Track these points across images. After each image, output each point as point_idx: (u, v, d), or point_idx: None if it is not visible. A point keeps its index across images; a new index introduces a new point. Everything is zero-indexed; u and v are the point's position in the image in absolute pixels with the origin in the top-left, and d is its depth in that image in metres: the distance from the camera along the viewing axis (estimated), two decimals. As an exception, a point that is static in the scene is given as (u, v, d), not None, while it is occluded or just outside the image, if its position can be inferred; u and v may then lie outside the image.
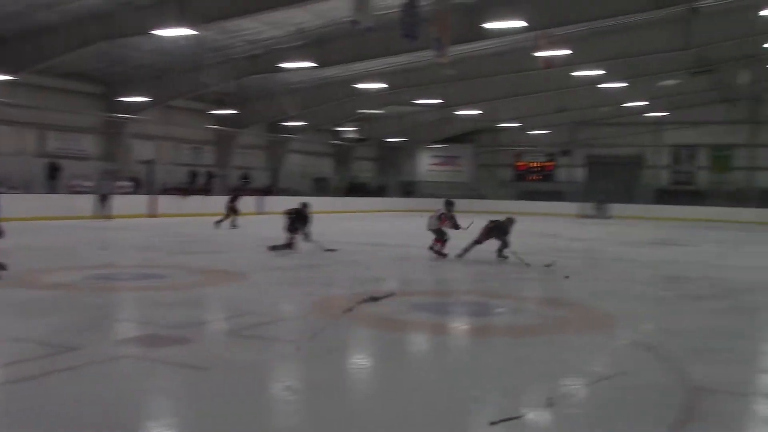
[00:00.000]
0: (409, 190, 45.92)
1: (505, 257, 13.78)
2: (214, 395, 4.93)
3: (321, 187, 40.65)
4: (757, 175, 39.37)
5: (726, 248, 19.58)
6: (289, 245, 14.32)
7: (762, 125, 39.39)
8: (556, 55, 23.24)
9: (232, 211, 22.26)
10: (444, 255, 14.02)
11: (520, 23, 19.00)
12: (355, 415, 4.66)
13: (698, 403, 5.07)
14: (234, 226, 21.83)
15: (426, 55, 22.40)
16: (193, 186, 31.21)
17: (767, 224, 32.21)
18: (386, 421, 4.55)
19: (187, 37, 20.17)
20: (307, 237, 14.54)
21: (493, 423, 4.34)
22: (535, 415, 4.90)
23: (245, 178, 34.60)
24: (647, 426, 4.51)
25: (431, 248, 14.20)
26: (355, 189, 42.18)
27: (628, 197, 39.19)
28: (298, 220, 14.50)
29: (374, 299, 8.77)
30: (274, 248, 14.33)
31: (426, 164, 48.27)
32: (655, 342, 7.14)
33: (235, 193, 23.71)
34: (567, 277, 11.87)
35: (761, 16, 19.28)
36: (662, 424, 4.54)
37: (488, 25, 19.32)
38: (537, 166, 45.87)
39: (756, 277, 12.79)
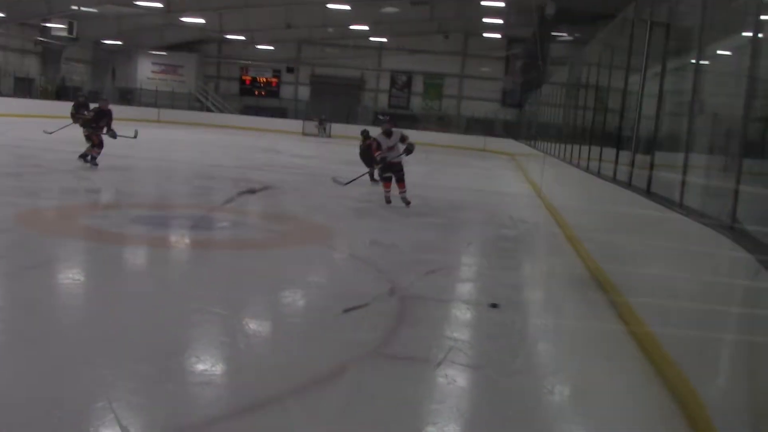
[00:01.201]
0: (127, 97, 43.17)
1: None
2: None
3: (24, 88, 36.73)
4: (464, 104, 42.86)
5: (434, 169, 21.20)
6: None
7: (470, 58, 42.68)
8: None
9: None
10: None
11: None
12: (65, 333, 4.41)
13: (408, 310, 5.53)
14: None
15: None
16: None
17: (470, 149, 35.45)
18: (99, 337, 4.37)
19: None
20: (113, 134, 13.60)
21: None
22: (259, 326, 5.01)
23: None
24: (365, 332, 4.83)
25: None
26: (65, 93, 38.70)
27: (349, 118, 40.68)
28: (101, 116, 13.49)
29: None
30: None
31: (146, 71, 45.61)
32: (369, 254, 7.62)
33: None
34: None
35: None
36: (374, 330, 4.88)
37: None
38: (262, 82, 45.57)
39: (459, 196, 14.07)
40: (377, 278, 6.51)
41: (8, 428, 3.06)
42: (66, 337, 4.31)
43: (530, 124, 26.00)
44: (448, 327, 5.22)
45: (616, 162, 7.29)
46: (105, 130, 13.46)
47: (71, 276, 6.07)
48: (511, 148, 32.54)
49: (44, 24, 36.99)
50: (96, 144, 13.31)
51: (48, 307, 4.93)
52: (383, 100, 44.29)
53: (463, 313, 5.68)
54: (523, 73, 38.46)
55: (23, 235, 7.30)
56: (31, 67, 39.33)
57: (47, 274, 5.87)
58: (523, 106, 34.39)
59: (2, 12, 32.00)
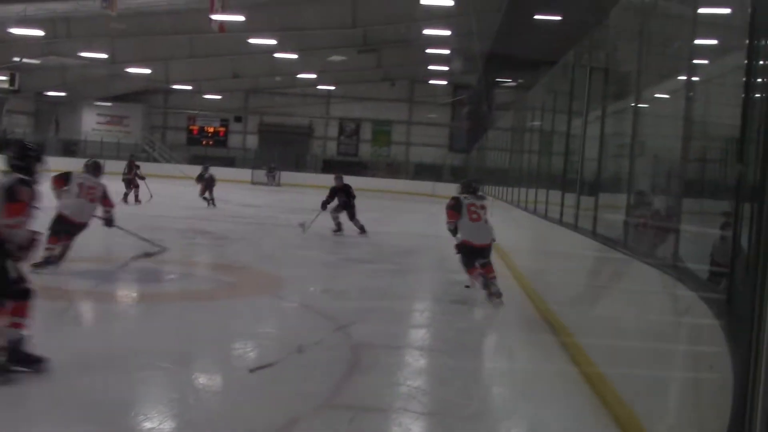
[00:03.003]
0: (71, 149, 42.45)
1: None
2: None
3: (-36, 141, 35.91)
4: (412, 150, 43.29)
5: (384, 215, 21.26)
6: None
7: (416, 105, 43.28)
8: (230, 20, 23.12)
9: None
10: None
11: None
12: (9, 395, 4.24)
13: (360, 357, 5.48)
14: None
15: (92, 5, 20.82)
16: None
17: (419, 194, 35.72)
18: (45, 398, 4.21)
19: None
20: None
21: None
22: (208, 379, 4.90)
23: None
24: (316, 382, 4.76)
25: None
26: (8, 146, 37.87)
27: (298, 166, 40.69)
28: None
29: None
30: None
31: (91, 122, 45.02)
32: (319, 303, 7.55)
33: None
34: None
35: (421, 4, 21.08)
36: (330, 378, 4.82)
37: (162, -19, 18.60)
38: (210, 131, 45.38)
39: (409, 242, 14.10)
40: (328, 326, 6.44)
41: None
42: (9, 400, 4.14)
43: (478, 168, 26.37)
44: (401, 373, 5.17)
45: (562, 204, 7.41)
46: None
47: None
48: (460, 193, 32.89)
49: (-16, 76, 36.39)
50: None
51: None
52: (332, 147, 44.47)
53: (415, 359, 5.65)
54: (470, 119, 39.14)
55: None
56: (-29, 120, 38.54)
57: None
58: (471, 151, 34.91)
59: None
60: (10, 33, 26.68)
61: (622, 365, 4.39)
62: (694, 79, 4.11)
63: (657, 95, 6.14)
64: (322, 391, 4.55)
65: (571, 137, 7.50)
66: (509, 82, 31.16)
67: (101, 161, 9.17)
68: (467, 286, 8.14)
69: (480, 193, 8.80)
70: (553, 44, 16.18)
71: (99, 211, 8.51)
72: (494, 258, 7.87)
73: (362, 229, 13.74)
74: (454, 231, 8.17)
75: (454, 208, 8.09)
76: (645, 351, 4.02)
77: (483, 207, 8.16)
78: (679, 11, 4.97)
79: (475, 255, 7.85)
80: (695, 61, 4.18)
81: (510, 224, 12.11)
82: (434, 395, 4.76)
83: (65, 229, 8.13)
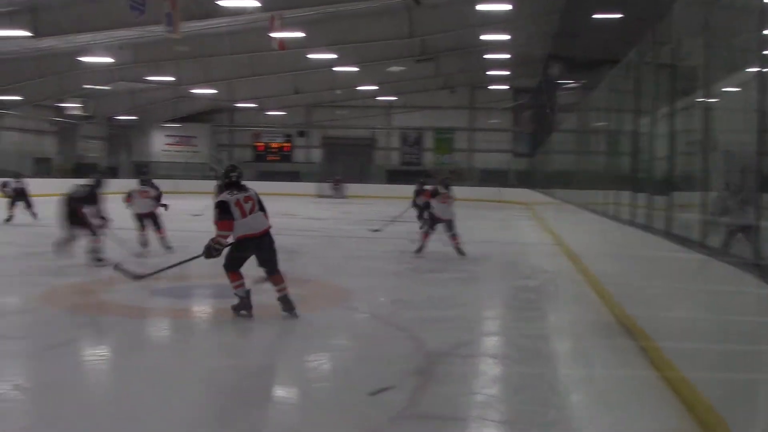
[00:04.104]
0: (142, 171, 43.79)
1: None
2: (-75, 404, 4.35)
3: (43, 168, 37.35)
4: (476, 156, 43.07)
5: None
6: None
7: (478, 110, 43.08)
8: (290, 37, 23.47)
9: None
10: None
11: (254, 3, 18.96)
12: (90, 412, 4.38)
13: (434, 367, 5.46)
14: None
15: (157, 30, 21.41)
16: None
17: (484, 201, 35.47)
18: (124, 415, 4.33)
19: None
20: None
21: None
22: (286, 393, 4.96)
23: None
24: (391, 392, 4.76)
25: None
26: (83, 170, 39.31)
27: (362, 177, 40.97)
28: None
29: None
30: None
31: (160, 144, 46.33)
32: (390, 313, 7.56)
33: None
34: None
35: (477, 9, 20.99)
36: (405, 387, 4.81)
37: (222, 3, 19.00)
38: (275, 147, 46.09)
39: (477, 249, 13.98)
40: (400, 337, 6.44)
41: None
42: (91, 417, 4.27)
43: (543, 172, 26.04)
44: (476, 382, 5.13)
45: (634, 205, 7.26)
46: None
47: (94, 353, 6.06)
48: (526, 198, 32.51)
49: (59, 104, 37.84)
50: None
51: (71, 387, 4.90)
52: (395, 157, 44.60)
53: (490, 368, 5.60)
54: (532, 122, 38.70)
55: (46, 314, 7.32)
56: (49, 146, 40.10)
57: (69, 352, 5.85)
58: (535, 155, 34.50)
59: (19, 95, 32.77)
60: (82, 62, 27.71)
61: (706, 369, 4.26)
62: (766, 70, 3.97)
63: (726, 89, 5.97)
64: (398, 401, 4.55)
65: (640, 136, 7.35)
66: (571, 83, 30.70)
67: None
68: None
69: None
70: (614, 42, 15.92)
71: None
72: (565, 262, 7.76)
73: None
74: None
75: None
76: (730, 353, 3.89)
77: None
78: (745, 1, 4.83)
79: None
80: (766, 52, 4.04)
81: (579, 227, 11.91)
82: (510, 403, 4.71)
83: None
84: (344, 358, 5.86)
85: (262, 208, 7.11)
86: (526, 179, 36.71)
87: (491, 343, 6.65)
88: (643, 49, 7.00)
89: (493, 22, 24.29)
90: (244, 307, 7.03)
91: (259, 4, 18.96)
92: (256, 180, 41.32)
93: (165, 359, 5.71)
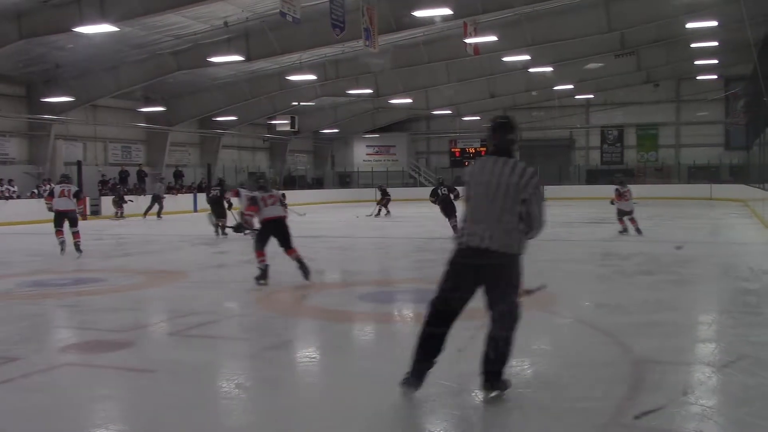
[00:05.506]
0: (345, 181, 45.84)
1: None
2: (163, 398, 4.83)
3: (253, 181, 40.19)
4: (682, 152, 40.64)
5: (655, 224, 20.14)
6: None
7: (684, 104, 40.63)
8: (484, 42, 23.51)
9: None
10: None
11: (446, 11, 19.22)
12: (305, 410, 4.63)
13: (644, 374, 5.21)
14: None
15: (356, 45, 22.36)
16: (123, 187, 30.12)
17: (694, 199, 33.33)
18: (339, 413, 4.53)
19: (109, 33, 19.53)
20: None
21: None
22: (489, 399, 4.95)
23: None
24: (597, 400, 4.61)
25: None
26: (292, 182, 41.89)
27: (561, 178, 40.06)
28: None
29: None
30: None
31: (361, 155, 48.20)
32: (594, 318, 7.31)
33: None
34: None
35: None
36: (612, 396, 4.64)
37: (416, 14, 19.47)
38: (471, 152, 46.27)
39: (688, 250, 13.18)
40: (606, 342, 6.22)
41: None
42: (305, 415, 4.52)
43: (763, 166, 23.97)
44: (692, 392, 4.83)
45: None
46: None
47: (307, 354, 6.40)
48: (742, 194, 30.07)
49: (270, 122, 40.58)
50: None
51: (289, 385, 5.22)
52: (595, 157, 43.16)
53: (707, 377, 5.24)
54: (747, 112, 35.80)
55: (262, 317, 7.88)
56: (261, 161, 43.10)
57: (285, 353, 6.24)
58: (752, 148, 31.88)
59: (235, 115, 35.57)
60: (289, 80, 29.57)
61: None
62: None
63: None
64: (604, 410, 4.39)
65: None
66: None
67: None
68: None
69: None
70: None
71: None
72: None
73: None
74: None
75: None
76: None
77: None
78: None
79: None
80: None
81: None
82: (731, 416, 4.38)
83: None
84: (547, 363, 5.74)
85: (282, 204, 9.99)
86: (743, 175, 34.01)
87: (707, 350, 6.22)
88: None
89: (698, 8, 22.81)
90: (263, 276, 9.50)
91: (450, 12, 19.22)
92: (455, 185, 41.88)
93: (374, 363, 5.89)
